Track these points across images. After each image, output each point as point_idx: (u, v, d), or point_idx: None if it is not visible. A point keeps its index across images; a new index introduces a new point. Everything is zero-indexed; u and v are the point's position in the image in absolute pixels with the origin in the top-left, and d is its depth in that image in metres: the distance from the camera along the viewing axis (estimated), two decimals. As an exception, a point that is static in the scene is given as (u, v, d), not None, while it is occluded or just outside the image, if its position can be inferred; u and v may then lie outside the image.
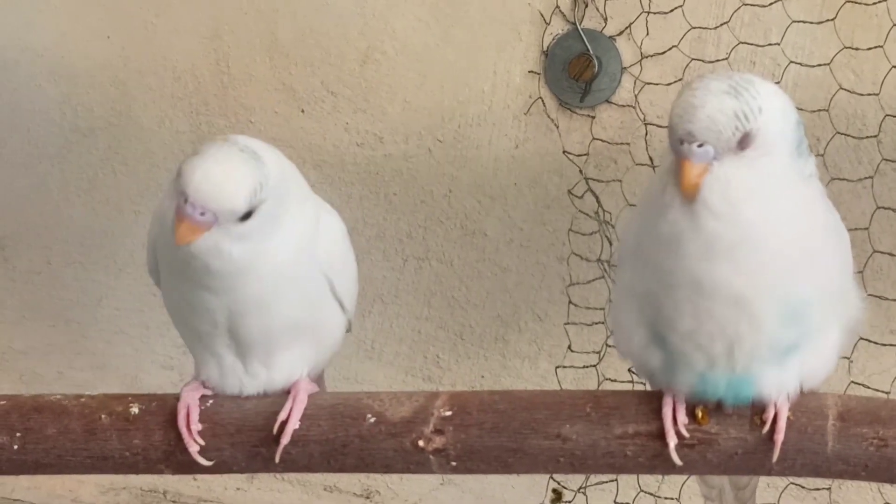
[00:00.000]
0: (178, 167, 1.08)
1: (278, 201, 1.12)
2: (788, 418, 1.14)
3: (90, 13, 1.83)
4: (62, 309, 1.91)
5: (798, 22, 1.60)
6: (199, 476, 1.88)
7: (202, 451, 1.22)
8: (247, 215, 1.10)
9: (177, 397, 1.23)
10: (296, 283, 1.16)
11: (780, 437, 1.13)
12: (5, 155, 1.89)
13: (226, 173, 1.08)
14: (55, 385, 1.84)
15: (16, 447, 1.25)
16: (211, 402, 1.23)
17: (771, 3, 1.60)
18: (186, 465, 1.22)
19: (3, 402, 1.27)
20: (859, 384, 1.56)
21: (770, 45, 1.62)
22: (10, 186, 1.90)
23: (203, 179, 1.07)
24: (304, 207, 1.17)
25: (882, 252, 1.58)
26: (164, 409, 1.23)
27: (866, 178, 1.59)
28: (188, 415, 1.22)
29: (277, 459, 1.20)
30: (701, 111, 1.05)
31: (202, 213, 1.08)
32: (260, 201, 1.09)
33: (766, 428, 1.14)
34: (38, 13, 1.85)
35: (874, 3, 1.56)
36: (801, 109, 1.11)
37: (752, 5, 1.60)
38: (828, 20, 1.59)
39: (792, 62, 1.61)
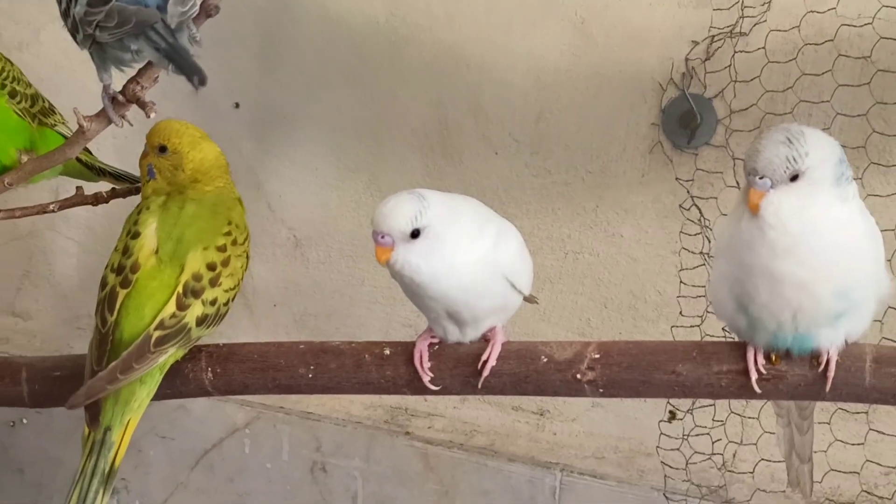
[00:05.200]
0: None
1: (445, 227, 1.12)
2: (837, 361, 1.12)
3: (354, 90, 1.85)
4: (339, 286, 1.96)
5: (842, 85, 1.55)
6: (428, 397, 1.91)
7: (432, 381, 1.24)
8: (415, 234, 1.10)
9: (413, 344, 1.25)
10: (486, 286, 1.17)
11: (831, 374, 1.12)
12: (301, 185, 1.94)
13: (392, 206, 1.10)
14: (334, 336, 1.89)
15: (310, 376, 1.30)
16: (437, 346, 1.25)
17: (823, 73, 1.55)
18: (421, 389, 1.25)
19: (302, 346, 1.31)
20: (888, 339, 1.50)
21: (823, 101, 1.57)
22: (304, 206, 1.95)
23: (379, 213, 1.10)
24: (485, 231, 1.17)
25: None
26: (406, 351, 1.26)
27: None
28: (421, 356, 1.24)
29: (480, 386, 1.23)
30: (763, 155, 1.05)
31: (383, 237, 1.10)
32: (422, 225, 1.10)
33: (821, 368, 1.12)
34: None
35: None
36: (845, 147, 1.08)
37: (810, 75, 1.56)
38: (864, 84, 1.54)
39: (839, 114, 1.56)
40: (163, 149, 1.31)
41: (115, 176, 1.50)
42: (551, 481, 1.78)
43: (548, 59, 1.72)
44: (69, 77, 1.73)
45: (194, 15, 1.12)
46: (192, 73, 1.07)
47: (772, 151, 1.02)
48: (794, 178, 1.02)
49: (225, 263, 1.27)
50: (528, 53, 1.73)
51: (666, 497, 1.72)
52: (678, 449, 1.72)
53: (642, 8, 1.65)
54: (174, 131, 1.31)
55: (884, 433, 1.62)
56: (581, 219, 1.78)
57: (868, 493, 1.66)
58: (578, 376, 1.19)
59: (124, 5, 1.07)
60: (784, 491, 1.66)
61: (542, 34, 1.72)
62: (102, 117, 1.21)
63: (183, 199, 1.30)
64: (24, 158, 1.34)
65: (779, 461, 1.55)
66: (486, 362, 1.20)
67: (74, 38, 1.14)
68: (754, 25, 1.58)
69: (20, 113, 1.35)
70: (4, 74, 1.34)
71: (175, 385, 1.32)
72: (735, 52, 1.59)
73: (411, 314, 1.87)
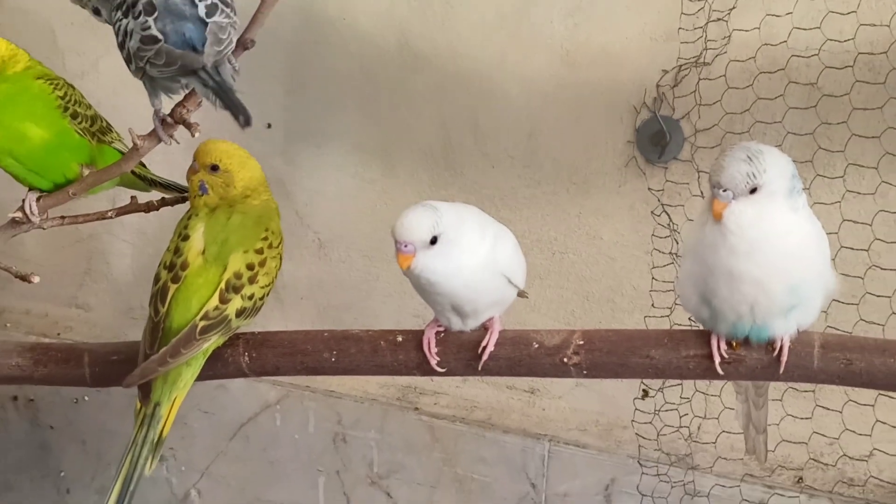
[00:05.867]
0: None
1: (456, 233, 1.12)
2: (790, 347, 1.12)
3: (369, 112, 1.84)
4: (356, 282, 1.95)
5: (793, 108, 1.55)
6: (435, 378, 1.91)
7: (438, 364, 1.23)
8: (433, 241, 1.10)
9: (422, 332, 1.25)
10: (486, 283, 1.17)
11: (784, 358, 1.12)
12: (324, 194, 1.94)
13: (412, 218, 1.09)
14: (353, 325, 1.88)
15: (333, 360, 1.30)
16: (442, 334, 1.24)
17: (776, 98, 1.55)
18: (428, 371, 1.25)
19: (325, 334, 1.31)
20: (832, 327, 1.50)
21: (776, 122, 1.57)
22: (327, 213, 1.95)
23: (400, 225, 1.09)
24: (485, 235, 1.17)
25: (846, 247, 1.53)
26: (416, 338, 1.25)
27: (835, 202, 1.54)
28: (429, 342, 1.23)
29: (480, 368, 1.22)
30: (726, 170, 1.04)
31: (405, 246, 1.09)
32: (439, 232, 1.09)
33: (776, 353, 1.12)
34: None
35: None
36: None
37: (764, 99, 1.56)
38: (811, 107, 1.53)
39: (789, 133, 1.56)
40: (214, 168, 1.30)
41: (165, 186, 1.50)
42: (541, 450, 1.78)
43: (537, 85, 1.72)
44: (124, 101, 1.73)
45: (230, 52, 1.12)
46: (238, 113, 1.06)
47: (734, 168, 1.02)
48: (753, 190, 1.02)
49: (262, 264, 1.27)
50: (521, 80, 1.73)
51: (640, 464, 1.72)
52: (650, 422, 1.73)
53: (619, 41, 1.65)
54: (224, 152, 1.31)
55: (828, 409, 1.62)
56: (566, 223, 1.78)
57: (815, 460, 1.66)
58: (565, 360, 1.19)
59: (171, 48, 1.06)
60: (742, 458, 1.67)
61: (533, 63, 1.72)
62: (153, 136, 1.22)
63: (231, 210, 1.30)
64: (86, 172, 1.35)
65: (738, 433, 1.55)
66: (485, 348, 1.20)
67: (129, 67, 1.14)
68: (716, 56, 1.58)
69: (81, 132, 1.35)
70: (68, 98, 1.34)
71: (216, 367, 1.32)
72: (700, 79, 1.59)
73: (419, 306, 1.86)
